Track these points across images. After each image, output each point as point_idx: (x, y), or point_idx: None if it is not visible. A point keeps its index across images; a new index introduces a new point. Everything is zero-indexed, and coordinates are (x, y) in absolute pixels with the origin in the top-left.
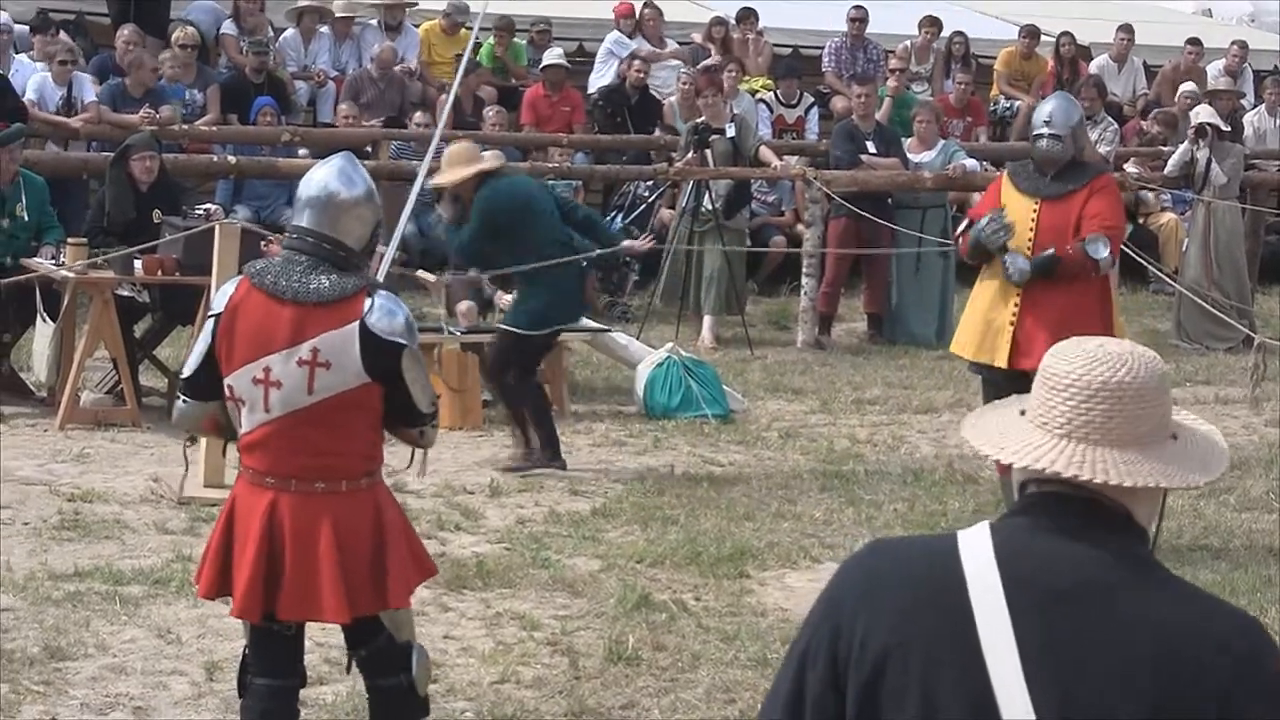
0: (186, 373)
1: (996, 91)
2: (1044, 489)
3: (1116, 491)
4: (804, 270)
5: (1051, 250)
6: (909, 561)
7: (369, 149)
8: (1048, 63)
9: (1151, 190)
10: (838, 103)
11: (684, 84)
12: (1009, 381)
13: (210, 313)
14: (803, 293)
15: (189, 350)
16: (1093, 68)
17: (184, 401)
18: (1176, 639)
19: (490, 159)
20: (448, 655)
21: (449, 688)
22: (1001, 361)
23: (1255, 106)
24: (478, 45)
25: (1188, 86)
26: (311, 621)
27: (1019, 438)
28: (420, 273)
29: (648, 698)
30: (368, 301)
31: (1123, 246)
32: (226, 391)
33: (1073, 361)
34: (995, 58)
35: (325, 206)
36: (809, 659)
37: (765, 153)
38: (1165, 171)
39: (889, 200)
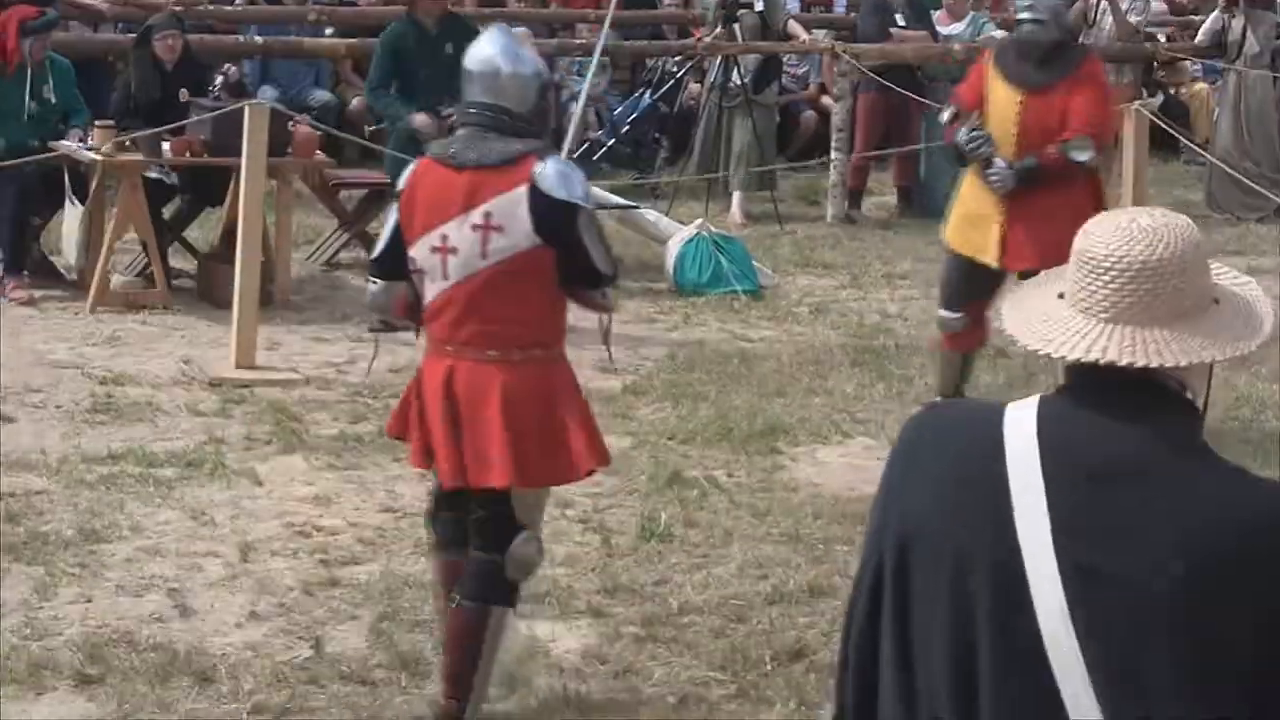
0: (375, 253)
1: None
2: (1090, 366)
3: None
4: (833, 144)
5: (1033, 159)
6: (952, 429)
7: None
8: None
9: (1182, 59)
10: None
11: None
12: (988, 274)
13: (394, 194)
14: (832, 167)
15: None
16: None
17: (373, 283)
18: (1216, 518)
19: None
20: None
21: None
22: (991, 259)
23: None
24: None
25: None
26: (482, 485)
27: (1064, 326)
28: None
29: (680, 574)
30: (538, 164)
31: (1152, 116)
32: (410, 265)
33: (1109, 241)
34: None
35: (491, 79)
36: (872, 540)
37: (794, 26)
38: (1196, 40)
39: (918, 72)
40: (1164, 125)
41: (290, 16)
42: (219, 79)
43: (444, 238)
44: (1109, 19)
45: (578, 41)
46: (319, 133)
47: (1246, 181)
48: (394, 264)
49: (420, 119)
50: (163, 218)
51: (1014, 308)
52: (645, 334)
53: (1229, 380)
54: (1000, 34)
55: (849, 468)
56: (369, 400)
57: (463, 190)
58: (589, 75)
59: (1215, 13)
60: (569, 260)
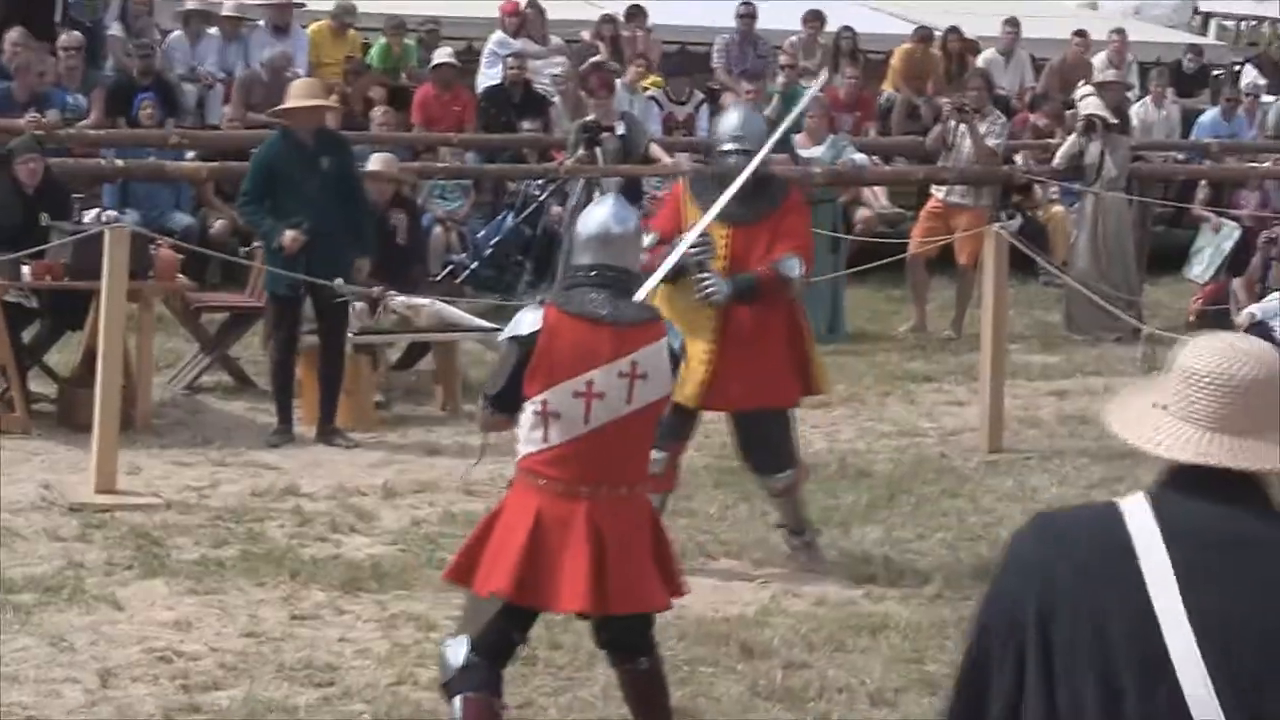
0: (492, 390)
1: (888, 86)
2: (1192, 464)
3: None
4: None
5: (751, 275)
6: (1073, 523)
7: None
8: (940, 58)
9: (1040, 183)
10: (727, 99)
11: (560, 86)
12: (686, 414)
13: (512, 335)
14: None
15: (495, 370)
16: (980, 61)
17: (490, 411)
18: None
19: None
20: (344, 658)
21: (345, 690)
22: (690, 401)
23: (1141, 98)
24: (366, 46)
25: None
26: (641, 611)
27: (1170, 432)
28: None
29: (544, 696)
30: (665, 323)
31: (1011, 239)
32: (536, 407)
33: (1213, 360)
34: (883, 53)
35: (608, 242)
36: (985, 647)
37: (655, 150)
38: (1054, 164)
39: None
40: (1022, 246)
41: (151, 140)
42: (89, 218)
43: (589, 384)
44: (966, 142)
45: (440, 164)
46: (180, 256)
47: (1103, 304)
48: (514, 401)
49: (288, 238)
50: (22, 342)
51: (1119, 414)
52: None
53: (1090, 498)
54: (860, 157)
55: (713, 589)
56: (230, 525)
57: (608, 341)
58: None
59: (1073, 136)
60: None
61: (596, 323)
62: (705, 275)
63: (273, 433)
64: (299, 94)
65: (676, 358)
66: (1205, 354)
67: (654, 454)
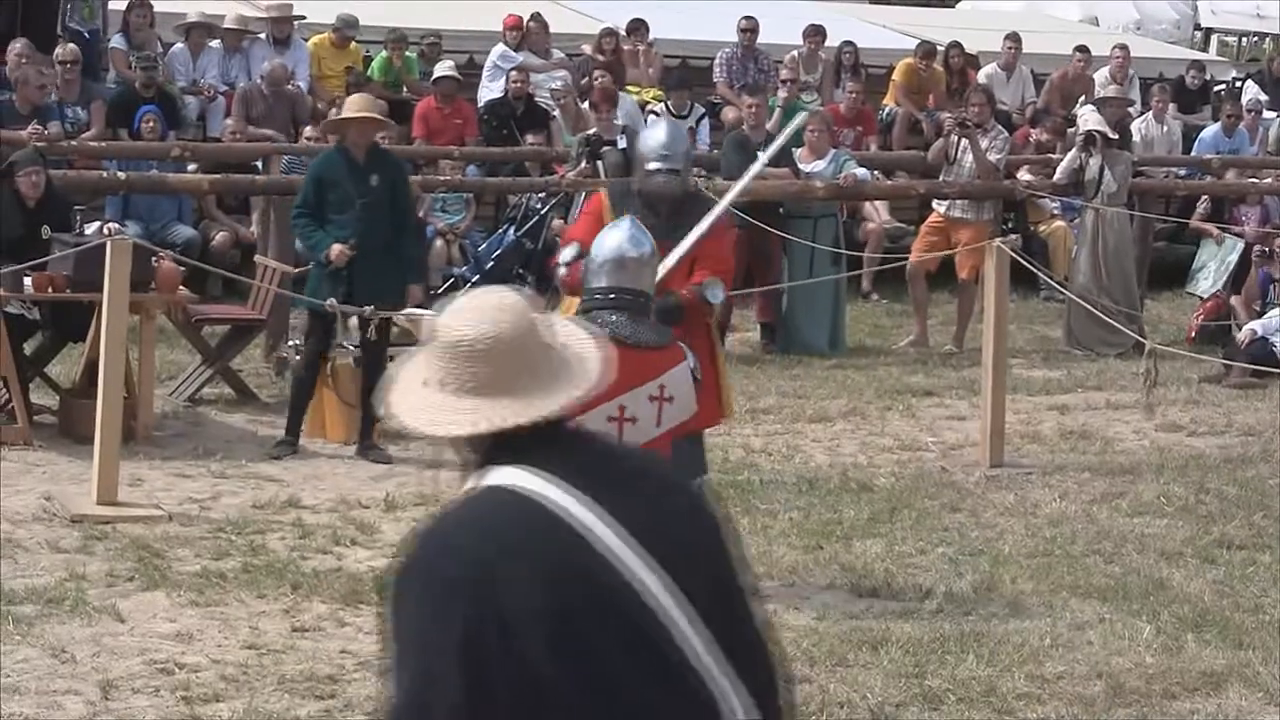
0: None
1: (890, 101)
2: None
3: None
4: None
5: (675, 297)
6: (500, 528)
7: (259, 164)
8: (942, 74)
9: (1041, 198)
10: (728, 113)
11: (560, 99)
12: None
13: None
14: None
15: None
16: (981, 76)
17: None
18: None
19: None
20: (344, 670)
21: (346, 703)
22: None
23: (1142, 114)
24: (368, 59)
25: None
26: None
27: (445, 408)
28: None
29: None
30: (680, 344)
31: (1013, 254)
32: None
33: (460, 327)
34: (884, 67)
35: (624, 265)
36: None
37: None
38: (1055, 179)
39: (780, 210)
40: (1024, 261)
41: (152, 153)
42: (90, 230)
43: (621, 408)
44: (968, 156)
45: (441, 178)
46: (182, 268)
47: (1104, 318)
48: None
49: (335, 251)
50: (24, 354)
51: (400, 403)
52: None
53: (1090, 513)
54: (862, 171)
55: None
56: (231, 537)
57: (637, 365)
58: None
59: (1073, 151)
60: None
61: (622, 346)
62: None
63: (277, 444)
64: (354, 107)
65: (697, 379)
66: (454, 322)
67: None
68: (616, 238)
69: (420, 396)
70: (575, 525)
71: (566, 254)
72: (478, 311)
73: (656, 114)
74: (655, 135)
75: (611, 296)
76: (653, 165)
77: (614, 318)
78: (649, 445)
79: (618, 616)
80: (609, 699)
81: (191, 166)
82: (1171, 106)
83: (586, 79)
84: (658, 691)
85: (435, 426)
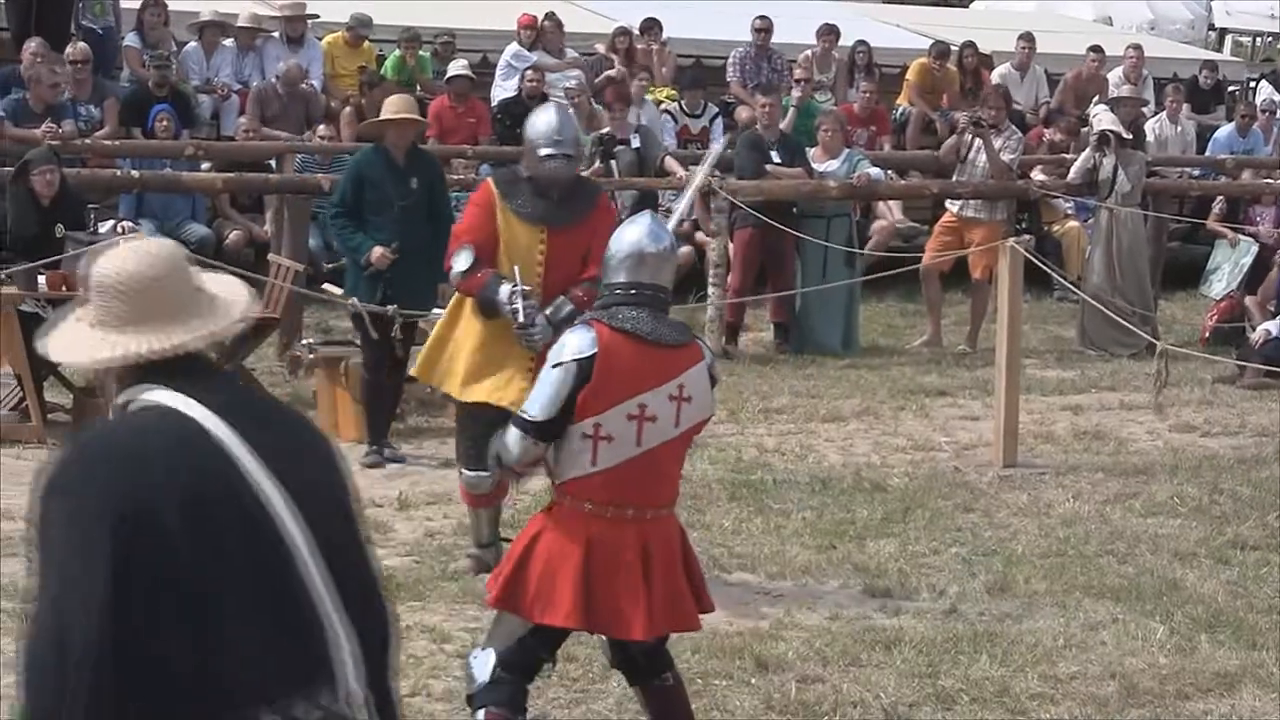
0: (540, 416)
1: (903, 101)
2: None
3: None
4: (710, 280)
5: (568, 305)
6: (150, 436)
7: (273, 163)
8: (956, 73)
9: (1055, 198)
10: (742, 112)
11: (574, 97)
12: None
13: (562, 361)
14: (709, 302)
15: (537, 392)
16: (995, 76)
17: (533, 442)
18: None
19: None
20: None
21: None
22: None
23: (1156, 114)
24: (381, 58)
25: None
26: (682, 631)
27: (97, 340)
28: (327, 287)
29: (559, 709)
30: (698, 342)
31: (1026, 253)
32: (587, 430)
33: (109, 267)
34: (898, 67)
35: (644, 261)
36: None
37: (670, 163)
38: (1068, 179)
39: (794, 209)
40: (1037, 261)
41: (166, 151)
42: (105, 229)
43: (641, 406)
44: (981, 156)
45: (455, 177)
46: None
47: (1118, 319)
48: (559, 426)
49: (377, 253)
50: (38, 352)
51: (57, 345)
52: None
53: (1103, 513)
54: (875, 171)
55: (726, 602)
56: None
57: (657, 363)
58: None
59: (1087, 151)
60: None
61: (644, 343)
62: (529, 329)
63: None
64: (393, 108)
65: (714, 379)
66: (104, 264)
67: (474, 474)
68: (636, 233)
69: (74, 333)
70: (214, 437)
71: (460, 261)
72: (126, 254)
73: (671, 113)
74: (546, 120)
75: (632, 293)
76: (545, 151)
77: (634, 314)
78: (668, 445)
79: (249, 521)
80: (237, 588)
81: (205, 165)
82: (1185, 107)
83: (600, 78)
84: (272, 607)
85: (81, 355)
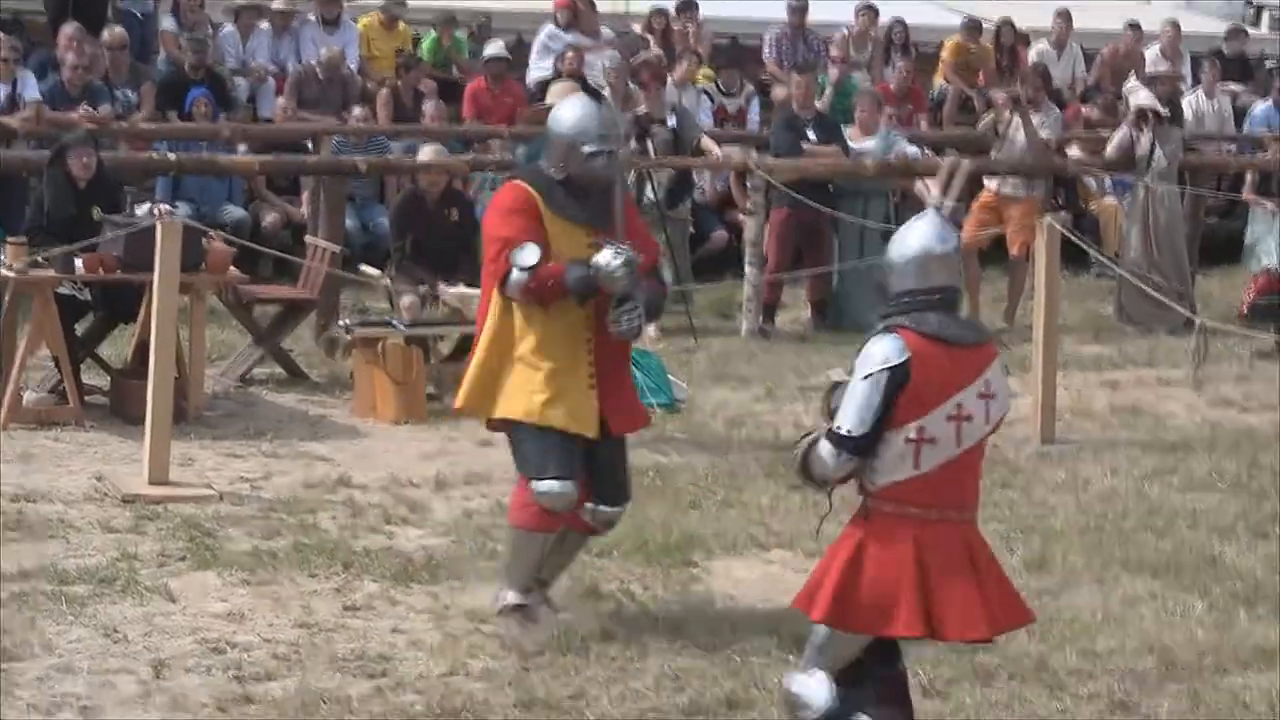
0: (858, 431)
1: (940, 78)
2: None
3: None
4: (747, 259)
5: (653, 289)
6: None
7: (309, 144)
8: (991, 51)
9: (1093, 175)
10: (778, 91)
11: (613, 78)
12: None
13: (870, 372)
14: (746, 281)
15: (846, 407)
16: (1032, 54)
17: (848, 458)
18: None
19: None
20: (396, 649)
21: (398, 681)
22: (592, 431)
23: (1193, 89)
24: (416, 39)
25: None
26: (1020, 627)
27: None
28: (364, 268)
29: (596, 687)
30: (992, 341)
31: (1064, 230)
32: (910, 434)
33: None
34: (932, 44)
35: (933, 260)
36: None
37: (707, 142)
38: (1106, 155)
39: (830, 188)
40: (1075, 238)
41: (203, 134)
42: (141, 211)
43: (959, 406)
44: (1020, 133)
45: (491, 157)
46: (233, 249)
47: (1155, 294)
48: (874, 439)
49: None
50: (75, 334)
51: None
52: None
53: (1141, 489)
54: (912, 149)
55: (765, 579)
56: (283, 516)
57: (965, 363)
58: None
59: (1124, 128)
60: None
61: (952, 345)
62: (630, 303)
63: None
64: (558, 94)
65: (1009, 372)
66: None
67: (557, 484)
68: (921, 234)
69: None
70: None
71: (527, 256)
72: None
73: (708, 93)
74: (585, 114)
75: (936, 297)
76: (591, 148)
77: (937, 317)
78: (979, 444)
79: None
80: None
81: (242, 147)
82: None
83: (636, 58)
84: None
85: None
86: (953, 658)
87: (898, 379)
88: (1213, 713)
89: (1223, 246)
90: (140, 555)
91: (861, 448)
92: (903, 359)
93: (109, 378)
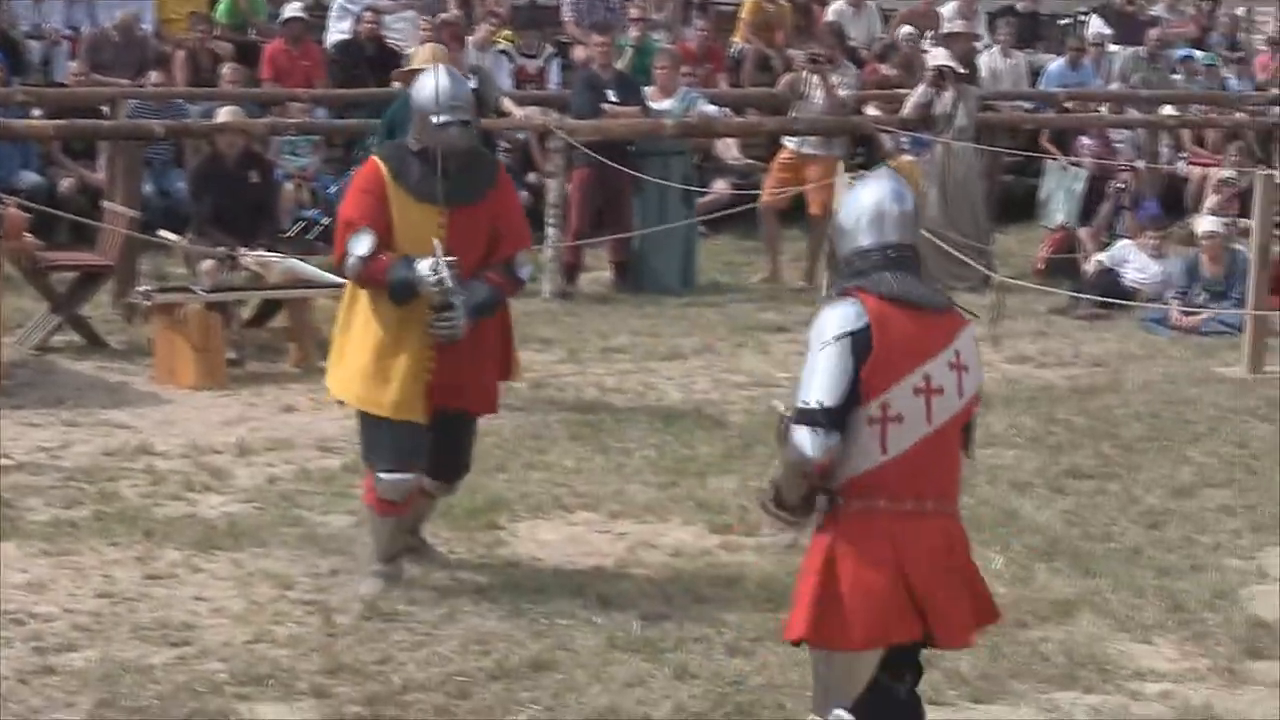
0: (830, 401)
1: (738, 38)
2: None
3: None
4: (548, 220)
5: (486, 289)
6: None
7: (105, 108)
8: (789, 10)
9: (889, 133)
10: (578, 52)
11: (424, 32)
12: (419, 429)
13: (839, 333)
14: (547, 243)
15: (807, 381)
16: (829, 13)
17: (828, 433)
18: None
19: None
20: (199, 616)
21: (202, 649)
22: (422, 417)
23: (989, 47)
24: (213, 1)
25: (906, 29)
26: (987, 625)
27: None
28: (162, 233)
29: (403, 652)
30: (960, 307)
31: None
32: (874, 413)
33: None
34: (731, 4)
35: (894, 219)
36: None
37: (507, 104)
38: (904, 113)
39: (631, 148)
40: None
41: None
42: None
43: (927, 378)
44: (819, 92)
45: (290, 120)
46: (28, 215)
47: (953, 252)
48: (847, 413)
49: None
50: None
51: None
52: None
53: None
54: (711, 108)
55: (570, 541)
56: (83, 485)
57: (933, 329)
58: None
59: (922, 86)
60: None
61: (917, 307)
62: (449, 312)
63: None
64: (423, 58)
65: (978, 344)
66: None
67: (398, 477)
68: (875, 192)
69: None
70: None
71: (361, 244)
72: None
73: (508, 54)
74: (435, 85)
75: (890, 254)
76: (441, 118)
77: (896, 277)
78: (954, 421)
79: None
80: None
81: (36, 112)
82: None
83: (435, 19)
84: None
85: None
86: (757, 618)
87: (861, 346)
88: (1012, 665)
89: (1020, 204)
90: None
91: (838, 420)
92: (862, 324)
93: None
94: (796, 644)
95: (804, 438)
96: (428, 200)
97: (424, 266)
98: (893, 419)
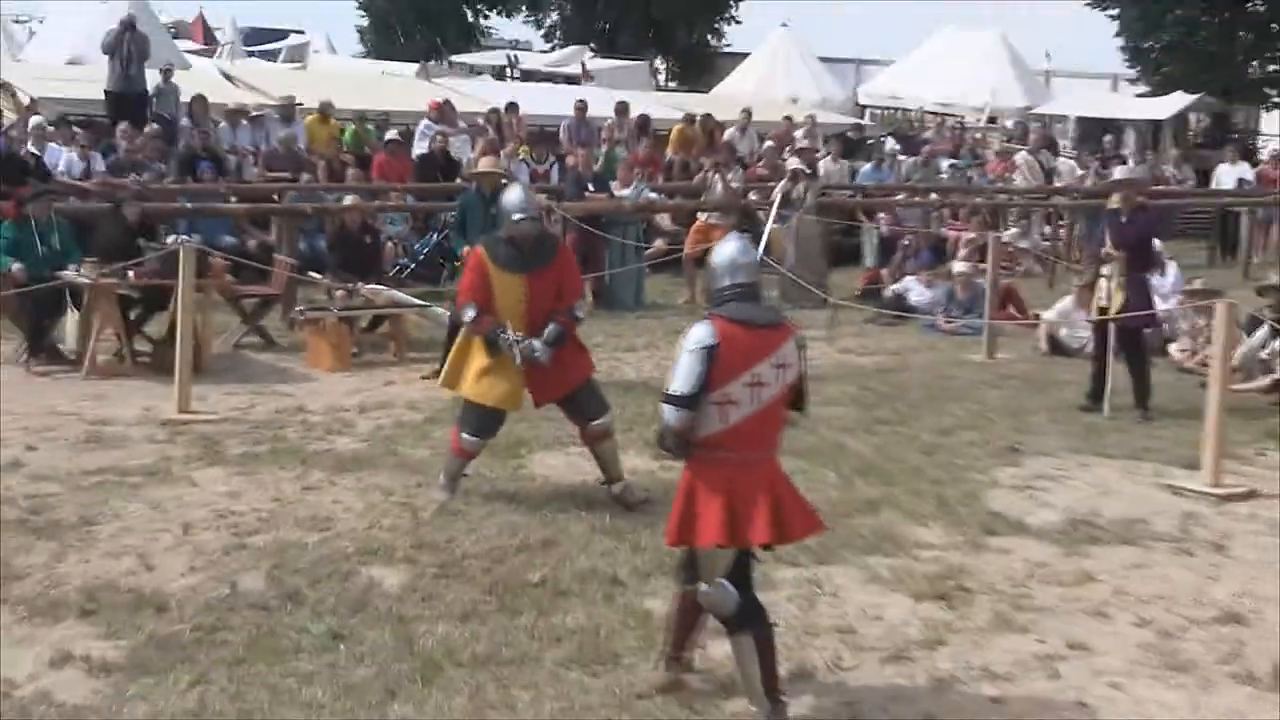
0: (686, 391)
1: (670, 151)
2: None
3: None
4: None
5: (557, 328)
6: None
7: (275, 197)
8: (701, 133)
9: (763, 210)
10: (570, 160)
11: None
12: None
13: (697, 347)
14: None
15: (675, 376)
16: (726, 135)
17: (683, 411)
18: None
19: (351, 199)
20: (335, 513)
21: (337, 533)
22: (515, 407)
23: (824, 156)
24: (342, 129)
25: (771, 144)
26: (813, 535)
27: None
28: (311, 274)
29: (461, 534)
30: (789, 322)
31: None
32: (718, 398)
33: None
34: (665, 129)
35: (742, 266)
36: None
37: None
38: (772, 198)
39: (601, 220)
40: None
41: (207, 192)
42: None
43: (756, 375)
44: (719, 185)
45: (391, 204)
46: (227, 263)
47: (803, 284)
48: (700, 398)
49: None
50: (129, 318)
51: None
52: (437, 385)
53: None
54: (653, 195)
55: (567, 466)
56: (262, 431)
57: (762, 342)
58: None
59: (784, 181)
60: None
61: (753, 327)
62: (526, 354)
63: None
64: (484, 164)
65: (801, 348)
66: None
67: (475, 440)
68: (730, 249)
69: None
70: None
71: (468, 313)
72: None
73: (526, 161)
74: (515, 196)
75: (738, 290)
76: (518, 217)
77: (739, 306)
78: (777, 400)
79: None
80: None
81: (233, 199)
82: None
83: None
84: None
85: None
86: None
87: (711, 355)
88: (841, 540)
89: (844, 254)
90: (173, 457)
91: (691, 404)
92: (714, 341)
93: (152, 345)
94: (672, 546)
95: (669, 412)
96: (514, 270)
97: (503, 340)
98: (730, 402)
